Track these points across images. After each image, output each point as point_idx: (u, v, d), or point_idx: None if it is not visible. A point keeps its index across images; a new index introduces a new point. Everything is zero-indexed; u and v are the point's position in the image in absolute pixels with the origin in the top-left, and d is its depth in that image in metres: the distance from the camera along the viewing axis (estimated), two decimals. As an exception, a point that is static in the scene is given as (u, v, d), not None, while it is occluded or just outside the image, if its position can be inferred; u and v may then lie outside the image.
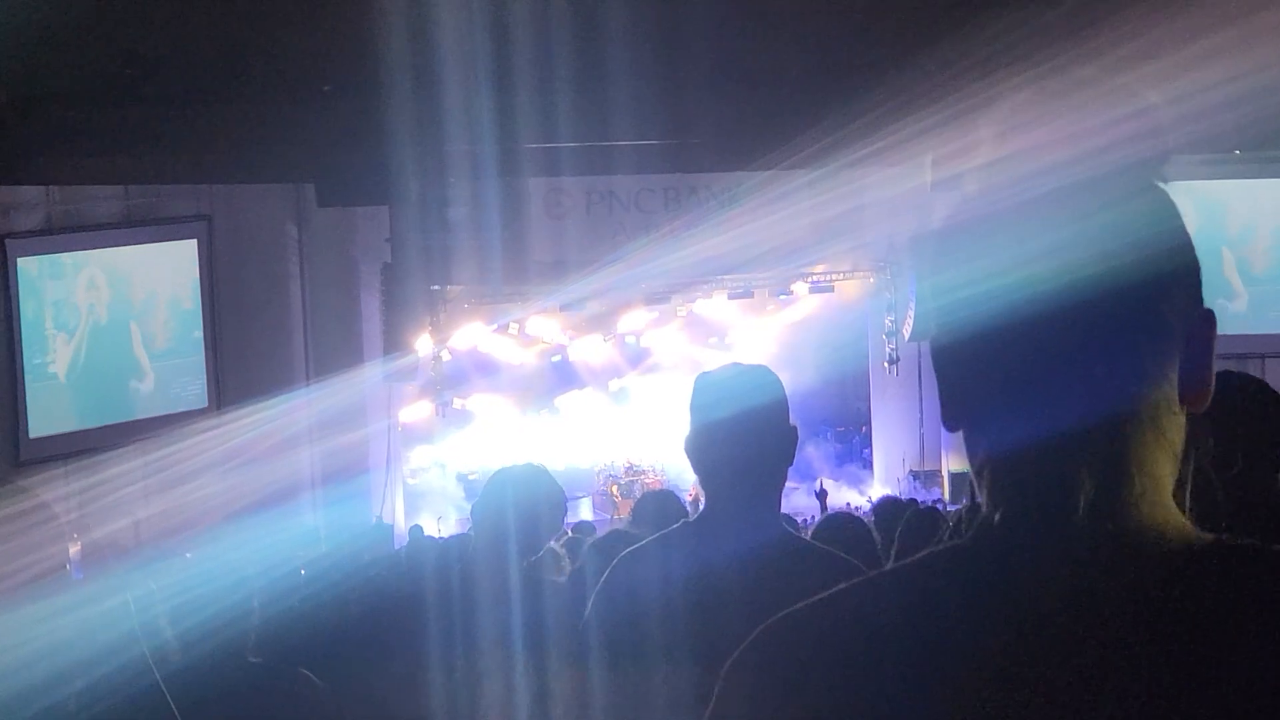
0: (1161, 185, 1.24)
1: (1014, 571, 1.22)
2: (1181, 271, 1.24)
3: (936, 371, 1.31)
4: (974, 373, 1.26)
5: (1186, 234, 1.24)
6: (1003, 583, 1.22)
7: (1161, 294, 1.21)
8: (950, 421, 1.30)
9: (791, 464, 3.14)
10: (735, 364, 3.27)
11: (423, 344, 17.41)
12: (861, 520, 5.61)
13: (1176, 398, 1.23)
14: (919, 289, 17.91)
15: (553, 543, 5.09)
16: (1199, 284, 1.24)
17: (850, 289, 21.27)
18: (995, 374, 1.24)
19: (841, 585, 1.30)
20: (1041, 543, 1.21)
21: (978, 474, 1.27)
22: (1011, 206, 1.22)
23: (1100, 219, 1.19)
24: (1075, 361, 1.20)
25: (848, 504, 19.60)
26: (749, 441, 3.03)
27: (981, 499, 1.27)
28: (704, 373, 3.19)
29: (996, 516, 1.25)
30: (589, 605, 3.23)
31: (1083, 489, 1.20)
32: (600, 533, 12.12)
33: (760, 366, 3.19)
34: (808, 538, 4.63)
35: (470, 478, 20.48)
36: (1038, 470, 1.22)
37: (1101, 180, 1.20)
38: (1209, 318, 1.24)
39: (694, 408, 3.11)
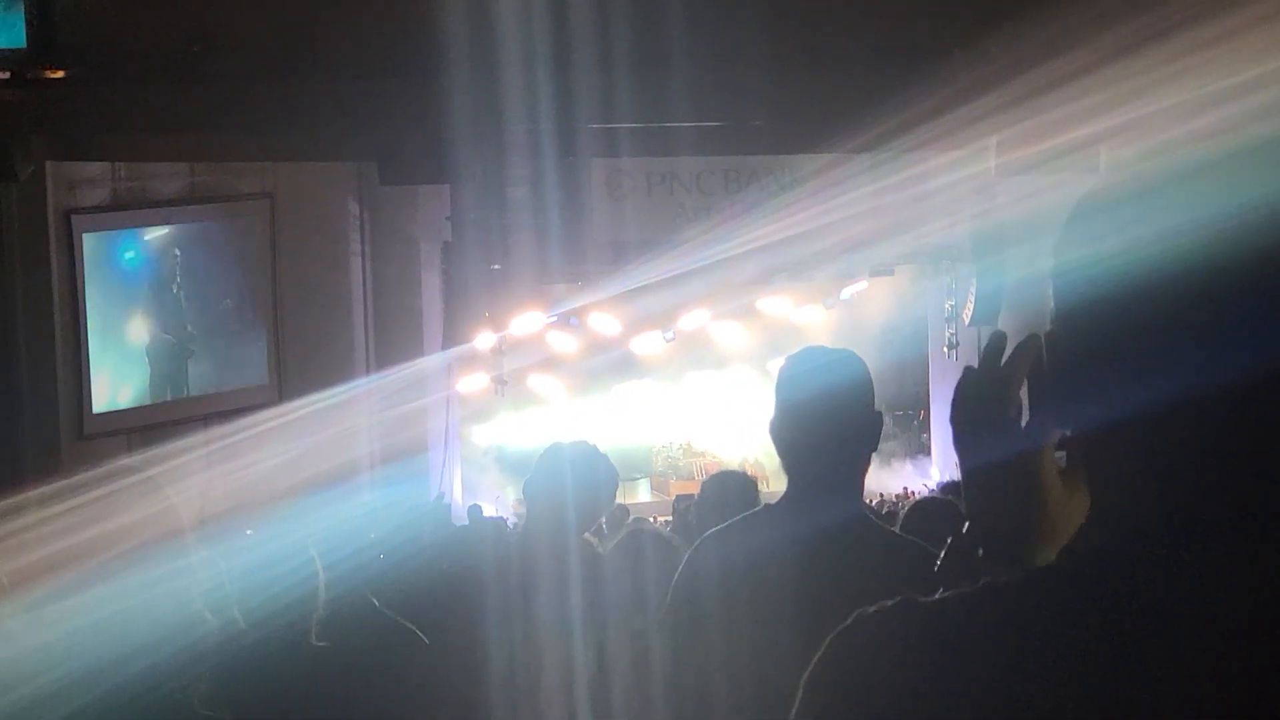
0: None
1: (1114, 591, 1.15)
2: None
3: (1056, 361, 1.24)
4: (1113, 359, 1.18)
5: None
6: (1102, 605, 1.16)
7: None
8: (1075, 422, 1.24)
9: (875, 449, 3.13)
10: (821, 347, 3.27)
11: (483, 340, 17.48)
12: (954, 504, 5.49)
13: None
14: (985, 273, 17.77)
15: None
16: None
17: (910, 273, 21.15)
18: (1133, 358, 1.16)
19: (922, 598, 1.24)
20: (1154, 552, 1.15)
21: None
22: (1164, 178, 1.16)
23: (1257, 189, 1.12)
24: (1222, 344, 1.12)
25: (904, 488, 19.55)
26: (832, 425, 3.03)
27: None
28: (790, 356, 3.20)
29: (1098, 528, 1.20)
30: (672, 583, 3.24)
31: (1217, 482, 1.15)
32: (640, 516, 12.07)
33: (846, 350, 3.19)
34: (895, 525, 4.59)
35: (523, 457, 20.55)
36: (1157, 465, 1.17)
37: (1256, 149, 1.14)
38: None
39: (779, 390, 3.12)
